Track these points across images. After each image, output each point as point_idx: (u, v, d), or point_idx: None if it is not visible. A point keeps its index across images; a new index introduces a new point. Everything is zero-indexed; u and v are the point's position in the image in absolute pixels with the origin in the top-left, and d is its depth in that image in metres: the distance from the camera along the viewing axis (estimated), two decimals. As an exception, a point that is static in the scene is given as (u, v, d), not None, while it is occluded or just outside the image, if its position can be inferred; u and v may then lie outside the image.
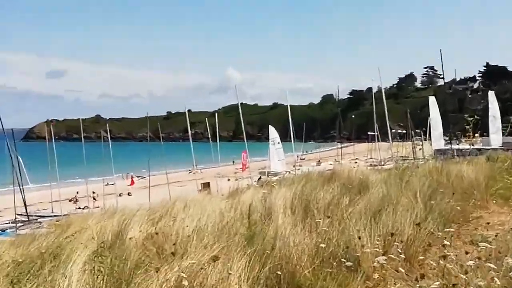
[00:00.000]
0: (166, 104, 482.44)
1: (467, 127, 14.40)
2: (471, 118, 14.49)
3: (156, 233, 6.92)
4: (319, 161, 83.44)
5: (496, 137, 46.13)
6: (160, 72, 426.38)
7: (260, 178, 55.14)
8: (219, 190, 33.94)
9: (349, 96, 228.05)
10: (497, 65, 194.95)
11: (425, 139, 66.12)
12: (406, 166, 13.08)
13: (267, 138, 65.22)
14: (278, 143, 56.34)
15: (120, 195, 54.71)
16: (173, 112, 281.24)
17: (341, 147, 79.19)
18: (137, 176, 79.51)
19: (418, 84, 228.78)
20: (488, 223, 7.00)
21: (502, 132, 46.66)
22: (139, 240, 6.92)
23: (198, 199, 10.20)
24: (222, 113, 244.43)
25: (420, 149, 62.34)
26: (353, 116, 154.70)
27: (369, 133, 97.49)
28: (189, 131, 57.41)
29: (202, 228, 6.89)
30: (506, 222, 8.12)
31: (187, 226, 6.98)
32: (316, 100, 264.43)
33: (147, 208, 9.89)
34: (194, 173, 56.89)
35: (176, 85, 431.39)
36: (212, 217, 7.61)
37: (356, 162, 71.51)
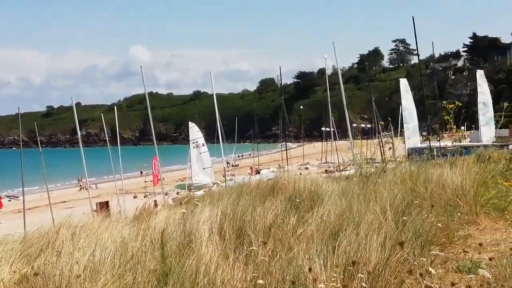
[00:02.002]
0: (45, 96, 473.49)
1: (447, 117, 14.68)
2: (452, 106, 14.80)
3: (35, 274, 6.76)
4: (258, 168, 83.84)
5: (487, 130, 47.74)
6: (37, 51, 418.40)
7: (178, 193, 55.03)
8: (122, 211, 33.55)
9: (295, 80, 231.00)
10: (486, 36, 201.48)
11: (396, 135, 67.67)
12: (372, 171, 13.29)
13: (187, 139, 65.05)
14: (203, 145, 56.36)
15: (-17, 223, 53.33)
16: (55, 107, 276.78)
17: (286, 149, 79.77)
18: (6, 196, 77.71)
19: (385, 63, 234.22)
20: (480, 244, 7.19)
21: (495, 124, 48.21)
22: (9, 285, 6.75)
23: (92, 224, 10.05)
24: (125, 107, 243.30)
25: (390, 149, 63.79)
26: (301, 107, 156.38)
27: (323, 129, 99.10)
28: (78, 133, 56.56)
29: (97, 265, 6.78)
30: (502, 241, 8.37)
31: (76, 262, 6.86)
32: (253, 87, 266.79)
33: (20, 240, 9.66)
34: (86, 189, 56.04)
35: (60, 69, 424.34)
36: (112, 249, 7.50)
37: (306, 168, 72.57)
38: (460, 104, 15.40)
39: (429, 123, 51.24)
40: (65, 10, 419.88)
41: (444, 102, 15.52)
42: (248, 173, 70.07)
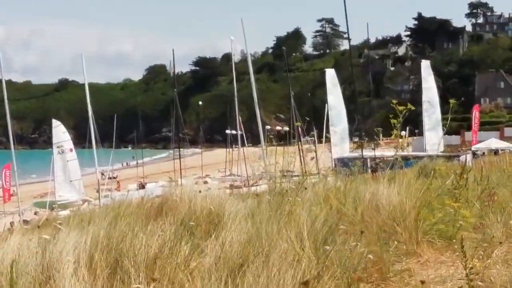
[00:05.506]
0: None
1: (394, 121, 14.40)
2: (403, 108, 14.58)
3: None
4: (142, 181, 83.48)
5: (433, 137, 48.73)
6: None
7: (36, 213, 54.20)
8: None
9: (193, 68, 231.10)
10: (434, 17, 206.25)
11: (320, 142, 68.51)
12: (289, 187, 13.37)
13: (49, 143, 64.24)
14: (70, 150, 55.77)
15: None
16: None
17: (180, 157, 79.70)
18: None
19: (308, 48, 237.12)
20: (422, 282, 7.35)
21: (443, 129, 49.11)
22: None
23: None
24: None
25: (312, 158, 64.57)
26: (200, 103, 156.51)
27: (227, 132, 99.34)
28: None
29: None
30: (448, 278, 8.54)
31: None
32: (138, 75, 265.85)
33: None
34: None
35: None
36: None
37: (206, 182, 72.64)
38: (412, 108, 15.30)
39: (358, 125, 51.99)
40: None
41: (394, 102, 15.41)
42: (115, 189, 69.53)
